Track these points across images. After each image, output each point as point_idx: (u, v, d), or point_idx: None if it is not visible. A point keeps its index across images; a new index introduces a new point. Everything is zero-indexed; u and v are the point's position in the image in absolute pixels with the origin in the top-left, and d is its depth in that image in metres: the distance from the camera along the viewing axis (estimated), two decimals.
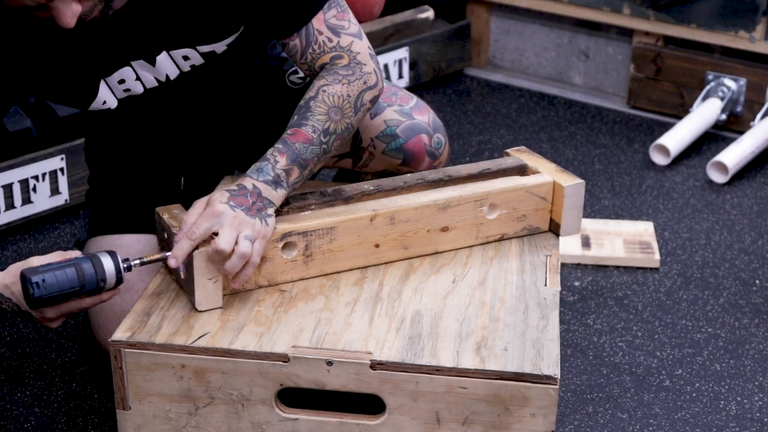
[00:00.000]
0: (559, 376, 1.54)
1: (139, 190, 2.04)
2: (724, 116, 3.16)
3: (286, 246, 1.71)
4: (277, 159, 1.69)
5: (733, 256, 2.58)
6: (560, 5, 3.41)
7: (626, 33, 3.40)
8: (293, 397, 1.63)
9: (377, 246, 1.78)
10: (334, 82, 1.75)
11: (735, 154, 2.92)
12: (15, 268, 1.64)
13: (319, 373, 1.57)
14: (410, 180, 1.84)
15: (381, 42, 3.30)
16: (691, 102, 3.23)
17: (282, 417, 1.61)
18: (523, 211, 1.88)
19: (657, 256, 2.53)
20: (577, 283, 2.47)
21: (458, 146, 3.13)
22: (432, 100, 3.40)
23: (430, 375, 1.56)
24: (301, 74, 2.03)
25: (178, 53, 1.80)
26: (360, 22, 3.22)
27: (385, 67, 3.31)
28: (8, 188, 2.55)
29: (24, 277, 1.59)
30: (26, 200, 2.59)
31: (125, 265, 1.63)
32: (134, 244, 1.98)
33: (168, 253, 1.67)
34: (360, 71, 1.77)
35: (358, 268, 1.79)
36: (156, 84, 1.83)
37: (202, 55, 1.81)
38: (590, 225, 2.65)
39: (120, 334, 1.61)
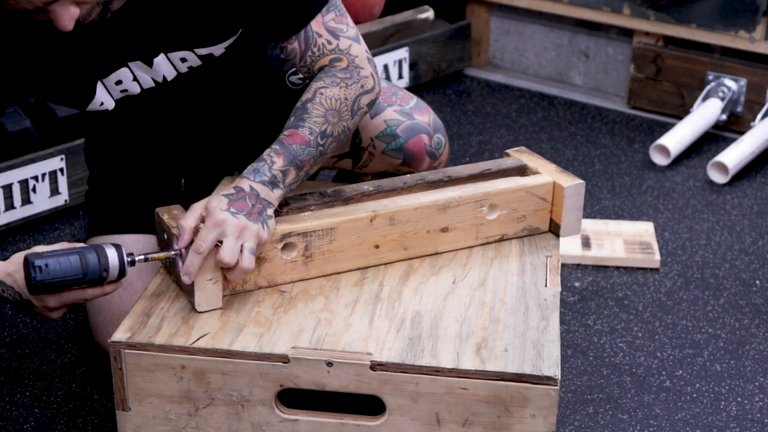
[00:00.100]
0: (559, 377, 1.54)
1: (139, 191, 2.04)
2: (724, 116, 3.16)
3: (285, 247, 1.71)
4: (273, 160, 1.69)
5: (734, 256, 2.58)
6: (560, 5, 3.41)
7: (626, 33, 3.40)
8: (293, 398, 1.63)
9: (377, 247, 1.78)
10: (331, 84, 1.75)
11: (735, 155, 2.92)
12: (18, 257, 1.64)
13: (319, 374, 1.57)
14: (410, 180, 1.84)
15: (381, 42, 3.30)
16: (692, 102, 3.23)
17: (282, 418, 1.61)
18: (523, 211, 1.88)
19: (657, 257, 2.53)
20: (577, 284, 2.47)
21: (458, 146, 3.13)
22: (432, 101, 3.40)
23: (430, 376, 1.56)
24: (302, 75, 2.03)
25: (176, 55, 1.80)
26: (360, 22, 3.23)
27: (385, 67, 3.30)
28: (8, 189, 2.55)
29: (27, 261, 1.58)
30: (26, 201, 2.59)
31: (129, 259, 1.63)
32: (134, 245, 1.98)
33: (173, 252, 1.67)
34: (358, 75, 1.77)
35: (358, 269, 1.78)
36: (153, 85, 1.83)
37: (200, 57, 1.81)
38: (590, 225, 2.65)
39: (120, 334, 1.61)
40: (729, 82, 3.15)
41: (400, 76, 3.36)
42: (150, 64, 1.79)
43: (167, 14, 1.73)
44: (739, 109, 3.16)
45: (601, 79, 3.52)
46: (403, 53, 3.35)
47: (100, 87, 1.81)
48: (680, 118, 3.21)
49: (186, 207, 1.74)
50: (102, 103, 1.84)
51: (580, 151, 3.11)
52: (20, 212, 2.59)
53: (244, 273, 1.63)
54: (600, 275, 2.50)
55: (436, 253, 1.84)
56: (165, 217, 1.73)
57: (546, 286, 1.76)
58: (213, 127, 2.00)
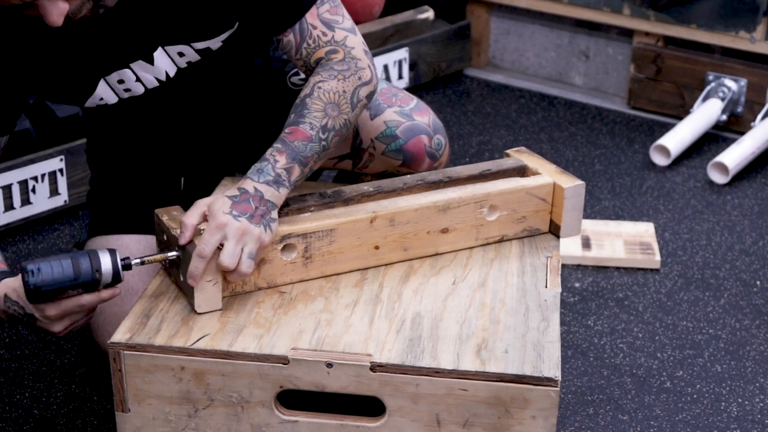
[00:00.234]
0: (559, 379, 1.54)
1: (140, 191, 2.03)
2: (724, 117, 3.16)
3: (285, 248, 1.71)
4: (276, 159, 1.68)
5: (734, 257, 2.58)
6: (560, 5, 3.40)
7: (626, 33, 3.40)
8: (293, 399, 1.63)
9: (377, 248, 1.78)
10: (329, 78, 1.74)
11: (735, 155, 2.92)
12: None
13: (318, 375, 1.57)
14: (410, 181, 1.84)
15: (381, 42, 3.30)
16: (692, 102, 3.23)
17: (282, 419, 1.60)
18: (523, 212, 1.87)
19: (657, 257, 2.53)
20: (577, 284, 2.46)
21: (458, 147, 3.12)
22: (432, 101, 3.40)
23: (430, 377, 1.55)
24: (303, 75, 2.03)
25: (173, 49, 1.80)
26: (360, 22, 3.23)
27: (385, 67, 3.30)
28: (7, 189, 2.55)
29: (21, 268, 1.60)
30: (25, 201, 2.59)
31: (124, 263, 1.63)
32: (134, 245, 1.98)
33: (170, 254, 1.67)
34: (355, 66, 1.76)
35: (358, 270, 1.78)
36: (156, 84, 1.83)
37: (198, 51, 1.81)
38: (590, 226, 2.64)
39: (119, 335, 1.61)
40: (729, 83, 3.15)
41: (400, 77, 3.35)
42: (150, 61, 1.79)
43: (162, 8, 1.73)
44: (740, 109, 3.16)
45: (601, 79, 3.52)
46: (402, 53, 3.34)
47: (102, 84, 1.81)
48: (680, 118, 3.21)
49: (185, 207, 1.74)
50: (101, 99, 1.84)
51: (580, 152, 3.11)
52: (20, 213, 2.59)
53: (242, 276, 1.63)
54: (600, 276, 2.50)
55: (436, 254, 1.83)
56: (164, 219, 1.72)
57: (546, 287, 1.76)
58: (213, 126, 2.00)
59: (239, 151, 2.04)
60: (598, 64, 3.51)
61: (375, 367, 1.56)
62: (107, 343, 1.62)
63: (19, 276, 1.64)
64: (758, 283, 2.47)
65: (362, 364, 1.56)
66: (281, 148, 1.69)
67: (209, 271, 1.64)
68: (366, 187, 1.81)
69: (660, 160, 3.03)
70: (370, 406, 1.61)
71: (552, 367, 1.55)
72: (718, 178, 2.92)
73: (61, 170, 2.63)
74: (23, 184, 2.57)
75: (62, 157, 2.62)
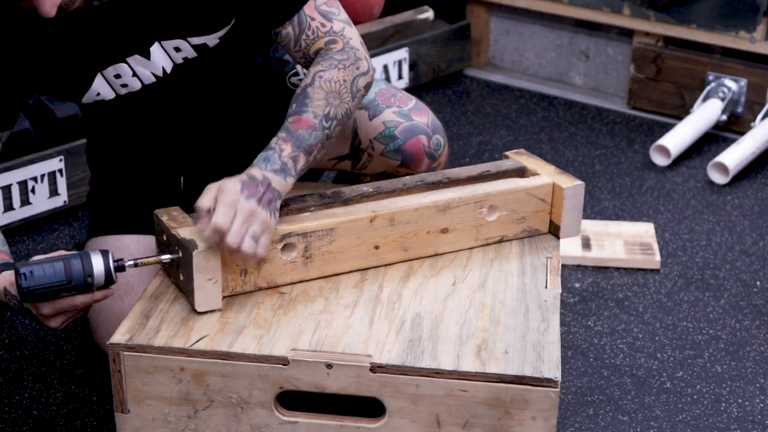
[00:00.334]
0: (559, 379, 1.53)
1: (139, 191, 2.03)
2: (724, 117, 3.15)
3: (285, 247, 1.71)
4: (282, 147, 1.68)
5: (734, 257, 2.57)
6: (560, 6, 3.40)
7: (626, 33, 3.40)
8: (293, 400, 1.63)
9: (377, 247, 1.78)
10: (330, 67, 1.75)
11: (735, 155, 2.91)
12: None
13: (318, 376, 1.57)
14: (409, 182, 1.84)
15: (380, 42, 3.30)
16: (692, 102, 3.22)
17: (281, 420, 1.60)
18: (523, 212, 1.87)
19: (657, 258, 2.53)
20: (577, 285, 2.46)
21: (458, 147, 3.12)
22: (432, 101, 3.40)
23: (430, 378, 1.55)
24: (302, 75, 2.03)
25: (170, 44, 1.80)
26: (360, 22, 3.23)
27: (385, 67, 3.30)
28: (7, 190, 2.55)
29: (15, 270, 1.61)
30: (25, 202, 2.59)
31: (116, 265, 1.64)
32: (134, 245, 1.98)
33: (164, 257, 1.67)
34: (354, 56, 1.78)
35: (357, 270, 1.78)
36: (153, 80, 1.84)
37: (195, 47, 1.81)
38: (590, 226, 2.64)
39: (119, 336, 1.60)
40: (729, 83, 3.15)
41: (400, 77, 3.35)
42: (147, 55, 1.79)
43: (158, 1, 1.74)
44: (740, 109, 3.16)
45: (601, 79, 3.52)
46: (402, 54, 3.34)
47: (98, 78, 1.81)
48: (680, 118, 3.21)
49: (185, 207, 1.74)
50: (98, 94, 1.84)
51: (580, 152, 3.11)
52: (19, 213, 2.58)
53: (244, 257, 1.62)
54: (600, 276, 2.50)
55: (436, 255, 1.83)
56: (164, 219, 1.72)
57: (546, 287, 1.75)
58: (212, 125, 2.00)
59: (238, 150, 2.04)
60: (598, 64, 3.51)
61: (375, 368, 1.56)
62: (107, 344, 1.62)
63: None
64: (758, 283, 2.47)
65: (362, 365, 1.56)
66: (286, 137, 1.69)
67: (209, 270, 1.64)
68: (365, 187, 1.81)
69: (660, 161, 3.03)
70: (370, 407, 1.61)
71: (552, 368, 1.55)
72: (718, 179, 2.92)
73: (60, 171, 2.62)
74: (23, 184, 2.57)
75: (62, 157, 2.62)
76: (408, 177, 1.86)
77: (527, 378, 1.54)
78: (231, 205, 1.61)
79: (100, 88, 1.83)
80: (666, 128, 3.20)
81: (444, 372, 1.55)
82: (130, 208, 2.01)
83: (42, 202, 2.62)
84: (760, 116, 3.05)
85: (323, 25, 1.78)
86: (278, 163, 1.67)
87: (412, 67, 3.40)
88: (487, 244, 1.87)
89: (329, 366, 1.56)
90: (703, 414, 2.06)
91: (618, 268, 2.52)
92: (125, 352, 1.59)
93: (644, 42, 3.31)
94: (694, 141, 3.09)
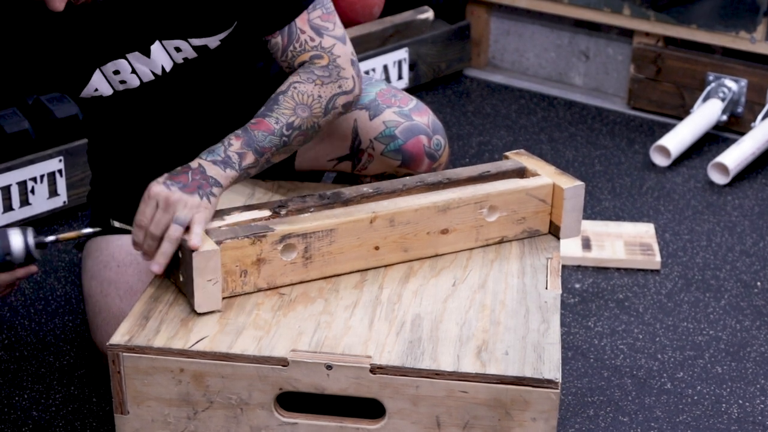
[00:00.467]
0: (560, 380, 1.53)
1: (140, 192, 2.03)
2: (724, 117, 3.15)
3: (285, 248, 1.71)
4: (231, 142, 1.72)
5: (735, 257, 2.57)
6: (560, 6, 3.40)
7: (626, 34, 3.39)
8: (292, 402, 1.62)
9: (377, 248, 1.77)
10: (307, 81, 1.77)
11: (736, 155, 2.91)
12: None
13: (318, 377, 1.56)
14: (409, 182, 1.84)
15: (380, 43, 3.29)
16: (692, 103, 3.22)
17: (281, 421, 1.60)
18: (523, 213, 1.87)
19: (658, 258, 2.52)
20: (577, 285, 2.46)
21: (458, 147, 3.12)
22: (432, 101, 3.40)
23: (430, 379, 1.55)
24: (283, 69, 2.03)
25: (171, 44, 1.80)
26: (360, 22, 3.22)
27: (385, 68, 3.30)
28: (6, 190, 2.54)
29: None
30: (24, 202, 2.58)
31: (36, 241, 1.64)
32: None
33: (85, 230, 1.70)
34: (337, 74, 1.79)
35: (357, 271, 1.78)
36: (152, 77, 1.84)
37: (195, 48, 1.82)
38: (591, 227, 2.64)
39: (118, 337, 1.60)
40: (729, 83, 3.14)
41: (400, 77, 3.35)
42: (147, 53, 1.80)
43: (163, 1, 1.74)
44: (740, 109, 3.16)
45: (602, 79, 3.51)
46: (402, 54, 3.34)
47: (97, 74, 1.82)
48: (680, 118, 3.21)
49: None
50: (96, 89, 1.84)
51: (580, 152, 3.11)
52: (19, 213, 2.58)
53: (172, 242, 1.63)
54: (600, 277, 2.49)
55: (436, 255, 1.83)
56: None
57: (546, 288, 1.75)
58: (211, 125, 2.00)
59: None
60: (598, 64, 3.51)
61: (375, 369, 1.56)
62: (106, 345, 1.62)
63: None
64: (759, 284, 2.47)
65: (362, 366, 1.56)
66: (240, 134, 1.73)
67: (209, 270, 1.63)
68: (365, 188, 1.81)
69: (660, 161, 3.02)
70: (370, 408, 1.61)
71: (552, 369, 1.55)
72: (719, 179, 2.92)
73: (60, 171, 2.62)
74: (22, 185, 2.57)
75: (61, 158, 2.61)
76: (408, 177, 1.86)
77: (527, 379, 1.54)
78: (150, 198, 1.65)
79: (99, 84, 1.84)
80: (666, 128, 3.20)
81: (444, 373, 1.55)
82: (131, 208, 2.01)
83: (41, 203, 2.61)
84: (760, 116, 3.05)
85: (312, 40, 1.79)
86: (221, 155, 1.71)
87: (412, 67, 3.39)
88: (487, 245, 1.86)
89: (329, 367, 1.56)
90: (703, 415, 2.05)
91: (618, 269, 2.52)
92: (125, 353, 1.59)
93: (644, 42, 3.30)
94: (695, 141, 3.08)
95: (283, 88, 1.77)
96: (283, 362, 1.57)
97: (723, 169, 2.91)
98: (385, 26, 3.31)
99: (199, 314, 1.65)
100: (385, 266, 1.79)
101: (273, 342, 1.60)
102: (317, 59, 1.79)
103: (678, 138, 3.03)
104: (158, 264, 1.65)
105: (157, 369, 1.58)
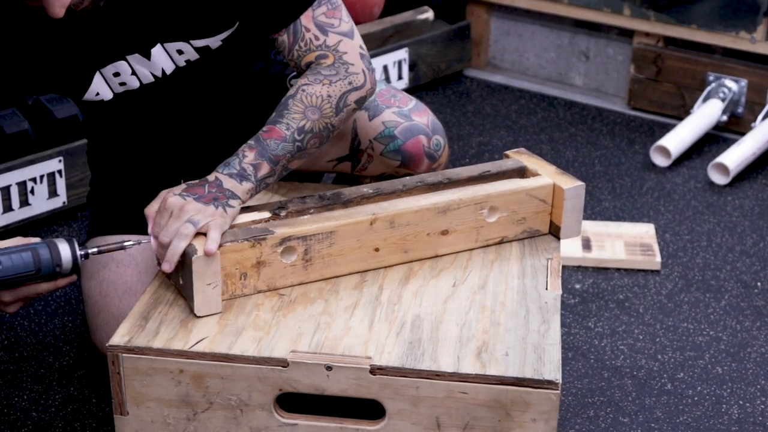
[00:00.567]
0: (560, 381, 1.53)
1: (140, 192, 2.03)
2: (725, 117, 3.15)
3: (285, 250, 1.70)
4: (245, 154, 1.71)
5: (735, 258, 2.57)
6: (560, 6, 3.40)
7: (626, 34, 3.39)
8: (292, 402, 1.62)
9: (377, 250, 1.77)
10: (314, 82, 1.76)
11: (736, 156, 2.91)
12: None
13: (318, 378, 1.56)
14: (409, 183, 1.83)
15: (380, 43, 3.29)
16: (692, 103, 3.22)
17: (281, 422, 1.60)
18: (523, 213, 1.87)
19: (658, 258, 2.52)
20: (577, 286, 2.46)
21: (458, 147, 3.12)
22: (431, 101, 3.39)
23: (430, 380, 1.55)
24: (291, 67, 2.03)
25: (173, 46, 1.80)
26: (359, 22, 3.22)
27: (385, 68, 3.29)
28: (6, 190, 2.54)
29: None
30: (24, 202, 2.58)
31: (82, 253, 1.64)
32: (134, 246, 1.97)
33: (127, 242, 1.68)
34: (345, 71, 1.77)
35: (357, 272, 1.77)
36: (152, 79, 1.83)
37: (197, 50, 1.81)
38: (591, 227, 2.64)
39: (117, 338, 1.60)
40: (730, 83, 3.14)
41: (400, 77, 3.35)
42: (148, 56, 1.80)
43: (163, 3, 1.74)
44: (740, 109, 3.16)
45: (602, 79, 3.51)
46: (402, 54, 3.34)
47: (97, 77, 1.82)
48: (681, 119, 3.20)
49: None
50: (98, 93, 1.84)
51: (580, 152, 3.11)
52: (18, 214, 2.58)
53: (181, 240, 1.63)
54: (601, 277, 2.49)
55: (436, 256, 1.83)
56: None
57: (547, 289, 1.75)
58: (212, 127, 2.00)
59: None
60: (599, 64, 3.50)
61: (375, 370, 1.55)
62: (105, 345, 1.61)
63: None
64: (759, 284, 2.47)
65: (362, 367, 1.55)
66: (253, 145, 1.72)
67: (209, 274, 1.63)
68: (365, 188, 1.81)
69: (660, 161, 3.02)
70: (370, 409, 1.61)
71: (552, 370, 1.55)
72: (719, 179, 2.92)
73: (59, 171, 2.62)
74: (22, 185, 2.56)
75: (61, 158, 2.61)
76: (408, 178, 1.85)
77: (528, 380, 1.54)
78: (167, 208, 1.66)
79: (100, 88, 1.83)
80: (666, 129, 3.20)
81: (444, 374, 1.54)
82: (131, 209, 2.01)
83: (41, 203, 2.61)
84: (760, 117, 3.05)
85: (316, 38, 1.77)
86: (237, 168, 1.70)
87: (412, 67, 3.39)
88: (488, 246, 1.86)
89: (329, 368, 1.56)
90: (704, 415, 2.05)
91: (618, 269, 2.52)
92: (124, 354, 1.59)
93: (644, 42, 3.30)
94: (695, 141, 3.08)
95: (291, 92, 1.76)
96: (283, 363, 1.56)
97: (723, 169, 2.91)
98: (385, 26, 3.31)
99: (200, 316, 1.65)
100: (385, 267, 1.79)
101: (273, 343, 1.59)
102: (323, 59, 1.78)
103: (678, 138, 3.03)
104: (168, 262, 1.64)
105: (157, 370, 1.58)
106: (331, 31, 1.78)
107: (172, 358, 1.58)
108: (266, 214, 1.74)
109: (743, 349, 2.24)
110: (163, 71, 1.83)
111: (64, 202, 2.65)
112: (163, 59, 1.81)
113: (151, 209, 1.70)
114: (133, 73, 1.82)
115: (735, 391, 2.11)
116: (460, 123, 3.28)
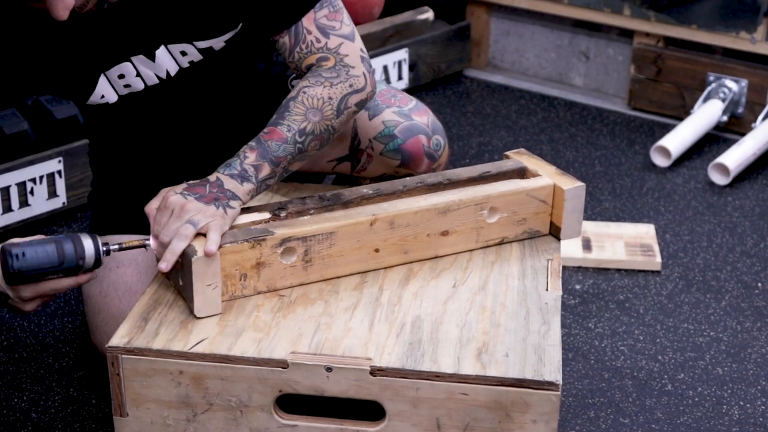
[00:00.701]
0: (560, 382, 1.53)
1: (141, 192, 2.03)
2: (725, 117, 3.15)
3: (285, 251, 1.70)
4: (246, 155, 1.71)
5: (735, 258, 2.57)
6: (560, 6, 3.39)
7: (627, 34, 3.39)
8: (292, 404, 1.62)
9: (377, 251, 1.77)
10: (316, 84, 1.76)
11: (736, 156, 2.91)
12: None
13: (318, 379, 1.56)
14: (409, 184, 1.83)
15: (380, 43, 3.29)
16: (692, 103, 3.22)
17: (281, 423, 1.59)
18: (524, 214, 1.86)
19: (658, 259, 2.52)
20: (578, 286, 2.45)
21: (458, 148, 3.11)
22: (432, 102, 3.39)
23: (430, 381, 1.54)
24: (291, 69, 2.03)
25: (176, 48, 1.80)
26: (359, 23, 3.22)
27: (385, 68, 3.29)
28: (5, 191, 2.54)
29: (3, 251, 1.59)
30: (23, 203, 2.58)
31: (104, 248, 1.64)
32: None
33: (148, 241, 1.67)
34: (346, 74, 1.77)
35: (357, 273, 1.77)
36: (156, 81, 1.84)
37: (200, 51, 1.81)
38: (591, 227, 2.63)
39: (117, 339, 1.60)
40: (730, 83, 3.14)
41: (400, 77, 3.35)
42: (152, 57, 1.80)
43: (166, 5, 1.74)
44: (740, 110, 3.15)
45: (602, 80, 3.51)
46: (402, 54, 3.34)
47: (102, 79, 1.82)
48: (681, 119, 3.20)
49: None
50: (102, 96, 1.84)
51: (580, 153, 3.10)
52: (18, 215, 2.58)
53: (181, 241, 1.62)
54: (601, 278, 2.49)
55: (437, 257, 1.82)
56: None
57: (547, 289, 1.75)
58: (214, 127, 2.00)
59: None
60: (599, 64, 3.50)
61: (375, 371, 1.55)
62: (105, 346, 1.61)
63: None
64: (759, 285, 2.46)
65: (362, 368, 1.55)
66: (254, 146, 1.72)
67: (208, 275, 1.63)
68: (365, 189, 1.81)
69: (660, 161, 3.02)
70: (370, 411, 1.60)
71: (553, 371, 1.54)
72: (719, 179, 2.92)
73: (59, 172, 2.62)
74: (21, 186, 2.56)
75: (60, 158, 2.61)
76: (408, 178, 1.85)
77: (528, 381, 1.53)
78: (168, 207, 1.66)
79: (105, 91, 1.83)
80: (666, 129, 3.20)
81: (444, 375, 1.54)
82: (132, 209, 2.01)
83: (41, 204, 2.61)
84: (760, 117, 3.05)
85: (318, 41, 1.78)
86: (238, 169, 1.70)
87: (412, 67, 3.39)
88: (488, 246, 1.86)
89: (329, 369, 1.55)
90: (704, 416, 2.05)
91: (619, 270, 2.52)
92: (124, 355, 1.58)
93: (644, 42, 3.30)
94: (695, 142, 3.08)
95: (293, 94, 1.76)
96: (283, 364, 1.56)
97: (723, 169, 2.91)
98: (385, 26, 3.31)
99: (200, 317, 1.65)
100: (385, 268, 1.79)
101: (273, 344, 1.59)
102: (324, 61, 1.78)
103: (678, 138, 3.02)
104: (166, 261, 1.63)
105: (157, 371, 1.58)
106: (333, 34, 1.78)
107: (171, 359, 1.58)
108: (266, 215, 1.74)
109: (744, 349, 2.24)
110: (168, 73, 1.83)
111: (63, 203, 2.65)
112: (167, 61, 1.81)
113: (151, 207, 1.70)
114: (138, 74, 1.82)
115: (735, 392, 2.11)
116: (460, 123, 3.28)
